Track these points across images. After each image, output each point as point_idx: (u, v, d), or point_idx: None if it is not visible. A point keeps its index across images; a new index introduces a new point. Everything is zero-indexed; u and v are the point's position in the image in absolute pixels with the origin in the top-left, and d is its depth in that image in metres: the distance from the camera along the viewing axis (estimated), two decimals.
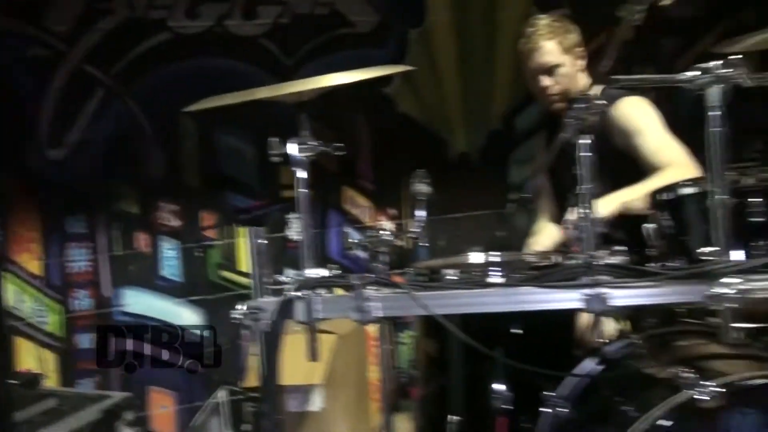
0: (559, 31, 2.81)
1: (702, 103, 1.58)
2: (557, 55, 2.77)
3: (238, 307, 1.94)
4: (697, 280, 1.58)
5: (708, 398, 1.49)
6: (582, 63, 2.85)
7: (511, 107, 4.10)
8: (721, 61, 1.53)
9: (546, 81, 2.77)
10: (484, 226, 4.15)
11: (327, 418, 3.34)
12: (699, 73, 1.54)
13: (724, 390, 1.52)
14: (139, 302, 3.79)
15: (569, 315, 2.14)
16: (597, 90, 2.54)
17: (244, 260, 3.82)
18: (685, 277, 1.60)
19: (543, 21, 2.84)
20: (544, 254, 2.42)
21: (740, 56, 1.53)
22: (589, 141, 1.70)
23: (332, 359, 3.29)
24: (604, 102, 1.67)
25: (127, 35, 3.72)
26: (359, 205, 4.11)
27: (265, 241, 1.92)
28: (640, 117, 2.69)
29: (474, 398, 2.17)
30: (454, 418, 2.16)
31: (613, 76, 1.73)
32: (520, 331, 2.19)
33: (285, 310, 1.87)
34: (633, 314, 2.48)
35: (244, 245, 3.80)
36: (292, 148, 1.83)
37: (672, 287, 1.61)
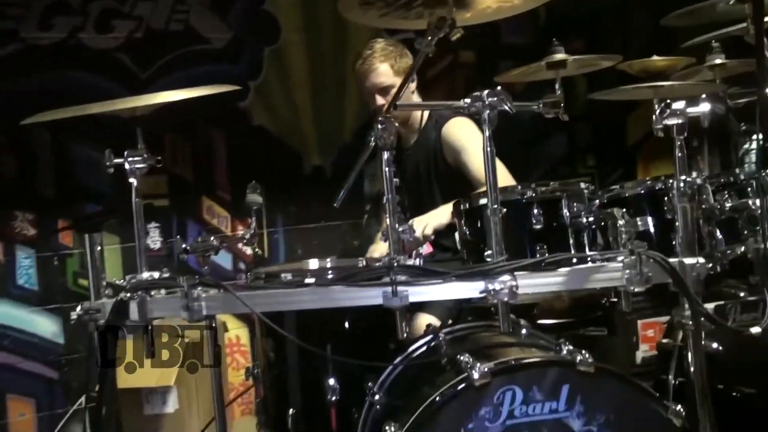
0: (392, 54, 3.05)
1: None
2: (390, 76, 3.02)
3: (78, 308, 2.07)
4: (478, 278, 1.84)
5: (478, 376, 1.74)
6: (414, 85, 3.10)
7: (363, 122, 4.33)
8: (487, 90, 1.78)
9: (380, 100, 3.01)
10: (340, 235, 4.38)
11: (183, 420, 3.45)
12: (470, 100, 1.79)
13: (494, 369, 1.78)
14: None
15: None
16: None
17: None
18: (467, 277, 1.85)
19: (379, 44, 3.08)
20: (375, 259, 2.65)
21: (500, 87, 1.79)
22: (390, 156, 1.91)
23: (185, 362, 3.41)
24: (396, 124, 1.89)
25: None
26: (218, 215, 4.24)
27: (99, 247, 2.06)
28: (464, 136, 2.95)
29: (309, 391, 2.36)
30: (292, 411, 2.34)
31: (398, 102, 1.95)
32: (347, 328, 2.39)
33: (120, 310, 2.01)
34: (455, 314, 2.76)
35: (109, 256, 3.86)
36: (121, 160, 1.97)
37: (456, 285, 1.86)
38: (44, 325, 3.84)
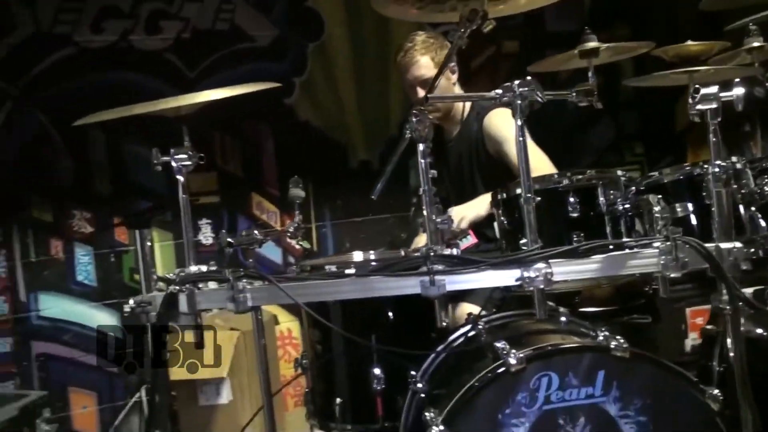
0: (433, 47, 3.08)
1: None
2: (431, 69, 3.03)
3: (131, 301, 2.16)
4: (512, 266, 1.87)
5: (514, 363, 1.77)
6: (455, 77, 3.13)
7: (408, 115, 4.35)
8: (518, 81, 1.80)
9: (421, 93, 3.03)
10: (387, 228, 4.43)
11: (236, 410, 3.54)
12: (502, 91, 1.82)
13: (530, 355, 1.80)
14: (55, 306, 3.94)
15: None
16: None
17: (158, 264, 3.98)
18: (502, 265, 1.88)
19: (420, 37, 3.11)
20: (415, 250, 2.69)
21: (530, 77, 1.81)
22: (426, 149, 1.94)
23: (236, 354, 3.50)
24: (431, 117, 1.92)
25: (34, 49, 3.86)
26: (267, 210, 4.32)
27: (150, 243, 2.15)
28: (505, 127, 2.94)
29: (355, 381, 2.41)
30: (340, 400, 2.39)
31: (430, 95, 1.98)
32: (392, 318, 2.43)
33: (170, 303, 2.09)
34: (497, 303, 2.78)
35: (157, 250, 3.97)
36: (168, 158, 2.05)
37: (492, 273, 1.89)
38: (103, 320, 3.98)
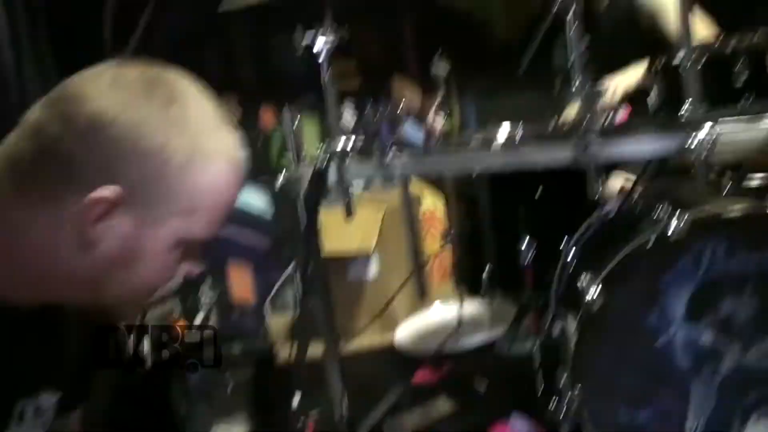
0: None
1: None
2: None
3: (279, 176, 2.23)
4: (672, 132, 1.78)
5: (676, 229, 1.70)
6: None
7: None
8: None
9: None
10: (534, 104, 4.31)
11: (384, 285, 3.62)
12: None
13: (693, 220, 1.72)
14: None
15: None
16: None
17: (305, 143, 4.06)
18: (661, 132, 1.79)
19: None
20: (564, 124, 2.61)
21: None
22: (573, 20, 1.85)
23: (383, 230, 3.56)
24: None
25: None
26: (408, 90, 4.30)
27: (297, 122, 2.19)
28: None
29: (503, 254, 2.40)
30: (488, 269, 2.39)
31: None
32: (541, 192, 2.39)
33: (318, 177, 2.13)
34: (654, 171, 2.67)
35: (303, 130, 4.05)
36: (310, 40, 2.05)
37: (651, 141, 1.80)
38: (254, 198, 4.13)
